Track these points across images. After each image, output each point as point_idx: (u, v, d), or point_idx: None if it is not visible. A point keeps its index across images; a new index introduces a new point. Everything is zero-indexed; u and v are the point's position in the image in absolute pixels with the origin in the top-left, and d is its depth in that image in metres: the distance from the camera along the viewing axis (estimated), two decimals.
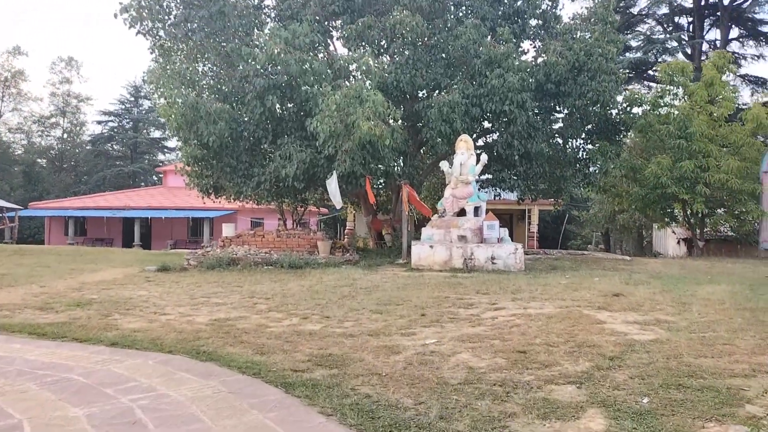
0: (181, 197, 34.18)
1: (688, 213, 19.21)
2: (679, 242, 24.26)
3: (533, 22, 19.33)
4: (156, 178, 52.00)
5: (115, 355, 5.96)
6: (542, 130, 18.29)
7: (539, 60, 18.43)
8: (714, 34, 39.18)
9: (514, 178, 18.18)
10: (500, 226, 13.93)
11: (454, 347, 6.04)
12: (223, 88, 17.77)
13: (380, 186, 21.32)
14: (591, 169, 20.69)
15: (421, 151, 20.58)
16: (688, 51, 36.98)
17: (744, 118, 18.53)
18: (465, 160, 14.42)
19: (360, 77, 16.53)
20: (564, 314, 7.60)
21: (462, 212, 14.66)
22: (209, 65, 18.37)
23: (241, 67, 16.69)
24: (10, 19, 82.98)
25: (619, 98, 18.88)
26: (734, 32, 38.90)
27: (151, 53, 18.45)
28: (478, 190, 15.07)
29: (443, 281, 11.39)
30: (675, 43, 36.71)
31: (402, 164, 17.25)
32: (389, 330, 6.97)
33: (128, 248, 31.34)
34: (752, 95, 36.93)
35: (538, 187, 19.49)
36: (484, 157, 14.68)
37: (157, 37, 18.31)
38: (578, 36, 17.79)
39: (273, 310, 8.60)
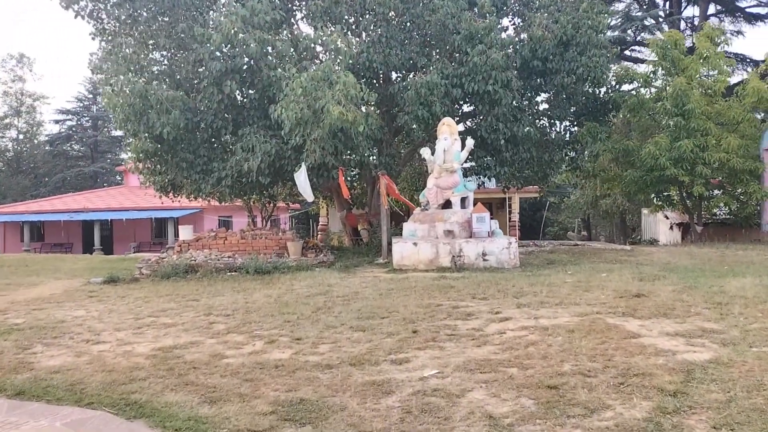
0: (143, 197, 32.27)
1: (685, 196, 18.27)
2: (672, 227, 23.40)
3: None
4: (119, 178, 49.83)
5: (12, 415, 4.53)
6: (529, 112, 17.12)
7: (523, 36, 17.21)
8: (691, 11, 38.57)
9: (500, 165, 16.95)
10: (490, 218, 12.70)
11: (463, 382, 4.76)
12: (176, 74, 16.20)
13: (354, 178, 19.96)
14: (578, 152, 19.64)
15: (397, 139, 19.26)
16: (665, 28, 36.26)
17: (741, 93, 17.60)
18: (449, 145, 13.15)
19: (328, 58, 15.11)
20: (586, 325, 6.38)
21: (447, 204, 13.41)
22: (159, 50, 16.73)
23: (194, 51, 15.13)
24: None
25: (609, 75, 17.75)
26: (712, 8, 38.31)
27: (93, 39, 16.77)
28: (464, 178, 13.79)
29: (432, 284, 10.12)
30: (653, 21, 35.96)
31: (377, 153, 15.89)
32: (376, 356, 5.67)
33: (87, 254, 29.43)
34: (733, 73, 36.33)
35: (524, 174, 18.34)
36: (470, 142, 13.42)
37: (99, 19, 16.63)
38: (565, 8, 16.57)
39: (233, 331, 7.22)
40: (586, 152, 19.52)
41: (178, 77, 16.14)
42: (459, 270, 11.95)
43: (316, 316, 7.83)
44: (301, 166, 13.92)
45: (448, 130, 13.32)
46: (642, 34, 36.29)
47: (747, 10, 35.91)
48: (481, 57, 15.21)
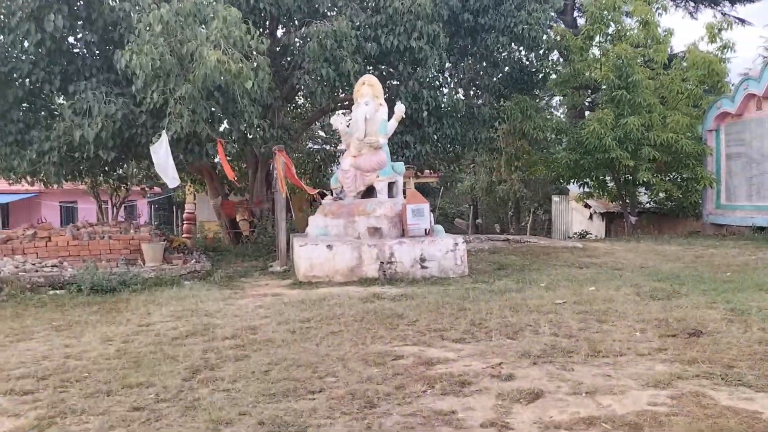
0: None
1: (622, 182, 16.68)
2: (591, 217, 22.09)
3: None
4: None
5: None
6: (455, 79, 14.57)
7: None
8: None
9: (420, 142, 14.22)
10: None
11: None
12: None
13: (231, 155, 16.39)
14: (496, 130, 17.42)
15: (291, 106, 16.01)
16: None
17: (687, 64, 16.21)
18: (372, 112, 10.15)
19: None
20: (692, 412, 3.76)
21: (369, 192, 10.46)
22: None
23: None
24: None
25: (548, 37, 15.60)
26: None
27: None
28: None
29: (364, 309, 7.17)
30: None
31: (268, 124, 12.55)
32: None
33: None
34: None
35: (448, 155, 15.80)
36: (400, 108, 10.52)
37: None
38: None
39: None
40: (499, 130, 17.39)
41: None
42: (390, 282, 9.08)
43: (192, 392, 4.61)
44: (161, 136, 10.29)
45: (371, 91, 10.33)
46: None
47: None
48: (404, 2, 12.38)
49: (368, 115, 10.11)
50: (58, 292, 9.22)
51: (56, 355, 5.78)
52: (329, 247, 9.26)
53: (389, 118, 10.48)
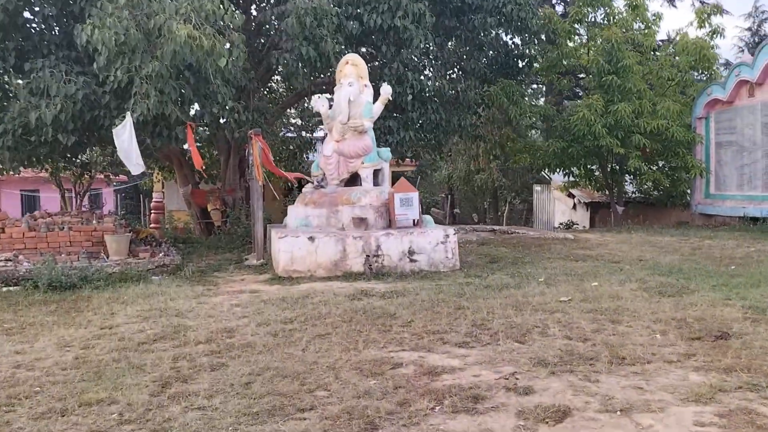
0: None
1: (609, 171, 16.29)
2: (575, 207, 21.74)
3: None
4: None
5: None
6: (440, 61, 13.98)
7: None
8: None
9: (404, 128, 13.60)
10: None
11: None
12: None
13: (204, 139, 15.62)
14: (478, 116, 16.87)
15: (267, 89, 15.28)
16: None
17: (676, 49, 15.83)
18: (356, 94, 9.50)
19: None
20: None
21: (352, 180, 9.84)
22: None
23: None
24: None
25: (538, 19, 15.03)
26: None
27: None
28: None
29: (352, 308, 6.59)
30: None
31: (242, 107, 11.81)
32: None
33: None
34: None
35: (430, 142, 15.21)
36: (387, 90, 9.89)
37: None
38: None
39: None
40: (481, 116, 16.85)
41: None
42: (377, 276, 8.50)
43: (162, 410, 3.98)
44: (125, 118, 9.53)
45: (355, 71, 9.67)
46: None
47: None
48: None
49: (352, 96, 9.45)
50: (11, 289, 8.46)
51: (4, 365, 5.09)
52: (311, 239, 8.62)
53: (374, 100, 9.84)
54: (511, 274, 8.51)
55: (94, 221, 10.27)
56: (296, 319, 6.24)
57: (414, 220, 9.21)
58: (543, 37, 16.00)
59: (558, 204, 23.88)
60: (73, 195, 23.24)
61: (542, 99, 20.87)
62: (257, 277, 9.00)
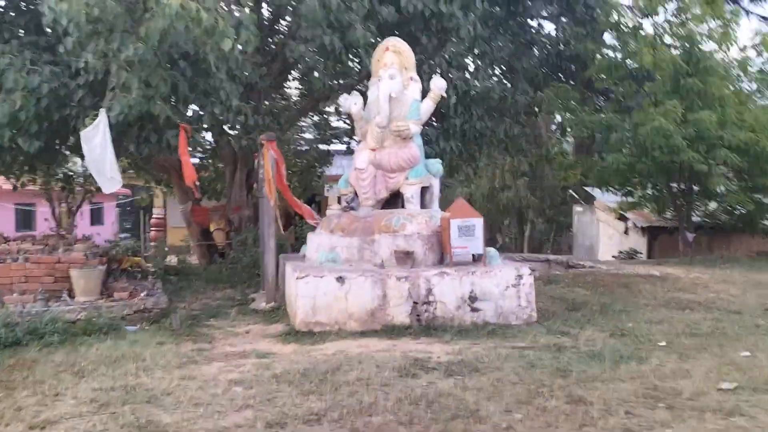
0: None
1: (680, 190, 14.11)
2: (626, 231, 19.54)
3: None
4: None
5: None
6: (488, 59, 11.95)
7: None
8: None
9: (445, 138, 11.53)
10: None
11: None
12: None
13: (203, 148, 13.58)
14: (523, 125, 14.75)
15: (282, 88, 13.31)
16: None
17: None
18: (398, 89, 7.45)
19: None
20: None
21: (392, 200, 7.75)
22: None
23: None
24: None
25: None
26: None
27: None
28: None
29: (405, 396, 4.51)
30: None
31: (251, 110, 9.78)
32: None
33: None
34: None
35: (473, 154, 13.13)
36: (440, 84, 7.83)
37: None
38: None
39: None
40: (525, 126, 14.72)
41: None
42: (427, 331, 6.39)
43: None
44: (99, 115, 7.50)
45: (398, 60, 7.63)
46: None
47: None
48: None
49: (394, 92, 7.39)
50: None
51: None
52: (340, 279, 6.52)
53: (423, 97, 7.77)
54: (611, 332, 6.38)
55: (60, 249, 8.21)
56: (326, 415, 4.14)
57: (474, 255, 7.10)
58: (606, 33, 13.96)
59: (604, 228, 21.61)
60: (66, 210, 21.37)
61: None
62: (266, 329, 6.89)
